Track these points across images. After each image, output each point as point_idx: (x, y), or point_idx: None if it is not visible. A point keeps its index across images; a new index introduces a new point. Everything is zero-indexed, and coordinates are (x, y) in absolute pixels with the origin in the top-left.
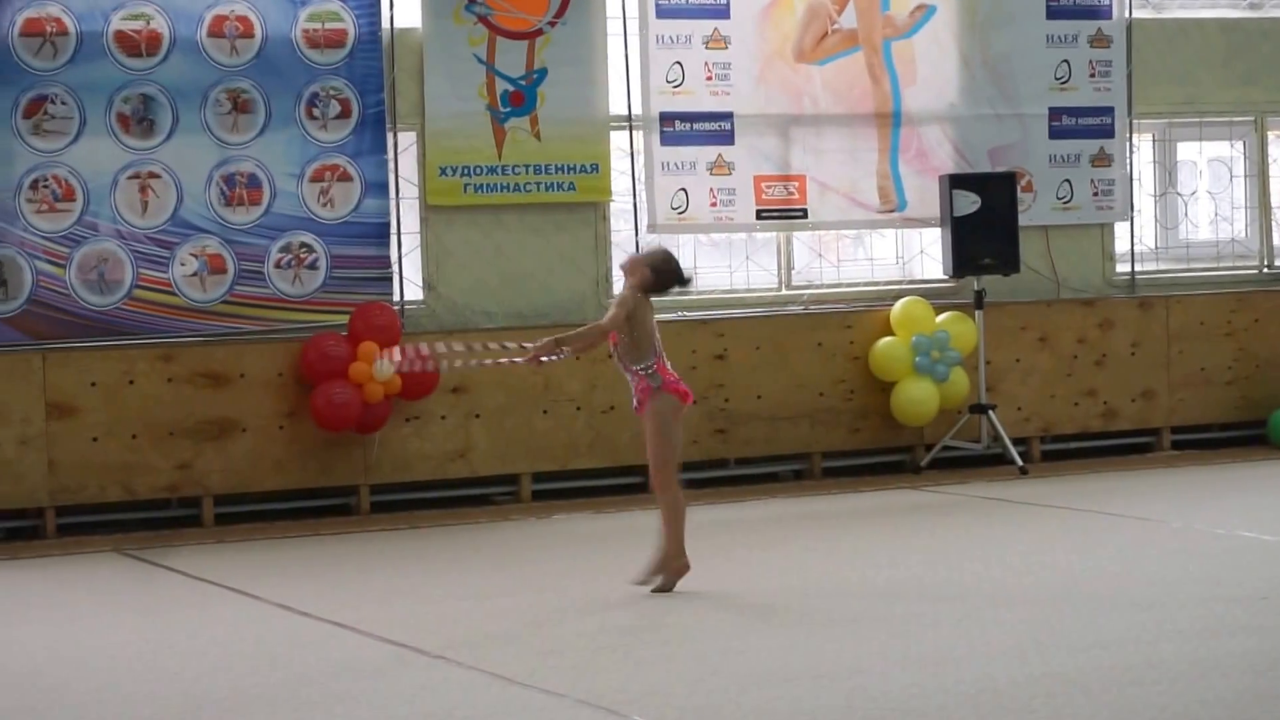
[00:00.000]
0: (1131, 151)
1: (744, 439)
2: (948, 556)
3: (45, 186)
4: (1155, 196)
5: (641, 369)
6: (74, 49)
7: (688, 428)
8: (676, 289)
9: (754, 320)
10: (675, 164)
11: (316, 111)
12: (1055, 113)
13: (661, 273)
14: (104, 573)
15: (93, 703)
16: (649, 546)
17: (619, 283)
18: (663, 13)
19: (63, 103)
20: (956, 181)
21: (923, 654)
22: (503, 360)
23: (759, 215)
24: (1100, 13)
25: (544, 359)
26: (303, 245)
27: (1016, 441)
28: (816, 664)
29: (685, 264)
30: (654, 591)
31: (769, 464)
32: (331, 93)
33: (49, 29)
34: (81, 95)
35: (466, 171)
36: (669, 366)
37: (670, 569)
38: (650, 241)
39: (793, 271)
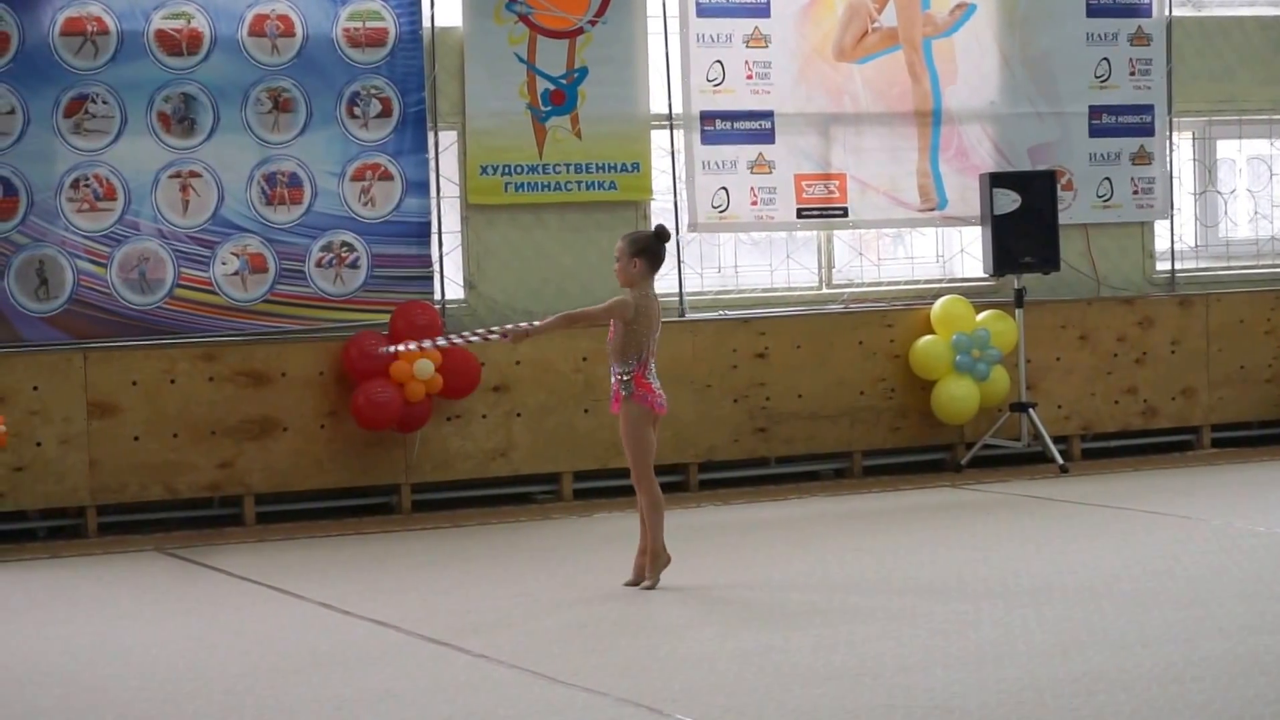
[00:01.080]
0: (1171, 149)
1: (784, 437)
2: (988, 555)
3: (86, 186)
4: (1195, 194)
5: (620, 372)
6: (115, 48)
7: (728, 426)
8: (664, 249)
9: (795, 319)
10: (716, 163)
11: (357, 110)
12: (1095, 111)
13: (648, 248)
14: (146, 572)
15: (135, 701)
16: (687, 545)
17: (659, 281)
18: (703, 11)
19: (104, 102)
20: (997, 180)
21: (965, 652)
22: (491, 338)
23: (799, 214)
24: (1140, 11)
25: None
26: (344, 244)
27: (1057, 440)
28: (859, 662)
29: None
30: (644, 589)
31: (809, 462)
32: (372, 91)
33: (90, 28)
34: (122, 94)
35: (507, 170)
36: (652, 375)
37: (655, 565)
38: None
39: (833, 270)
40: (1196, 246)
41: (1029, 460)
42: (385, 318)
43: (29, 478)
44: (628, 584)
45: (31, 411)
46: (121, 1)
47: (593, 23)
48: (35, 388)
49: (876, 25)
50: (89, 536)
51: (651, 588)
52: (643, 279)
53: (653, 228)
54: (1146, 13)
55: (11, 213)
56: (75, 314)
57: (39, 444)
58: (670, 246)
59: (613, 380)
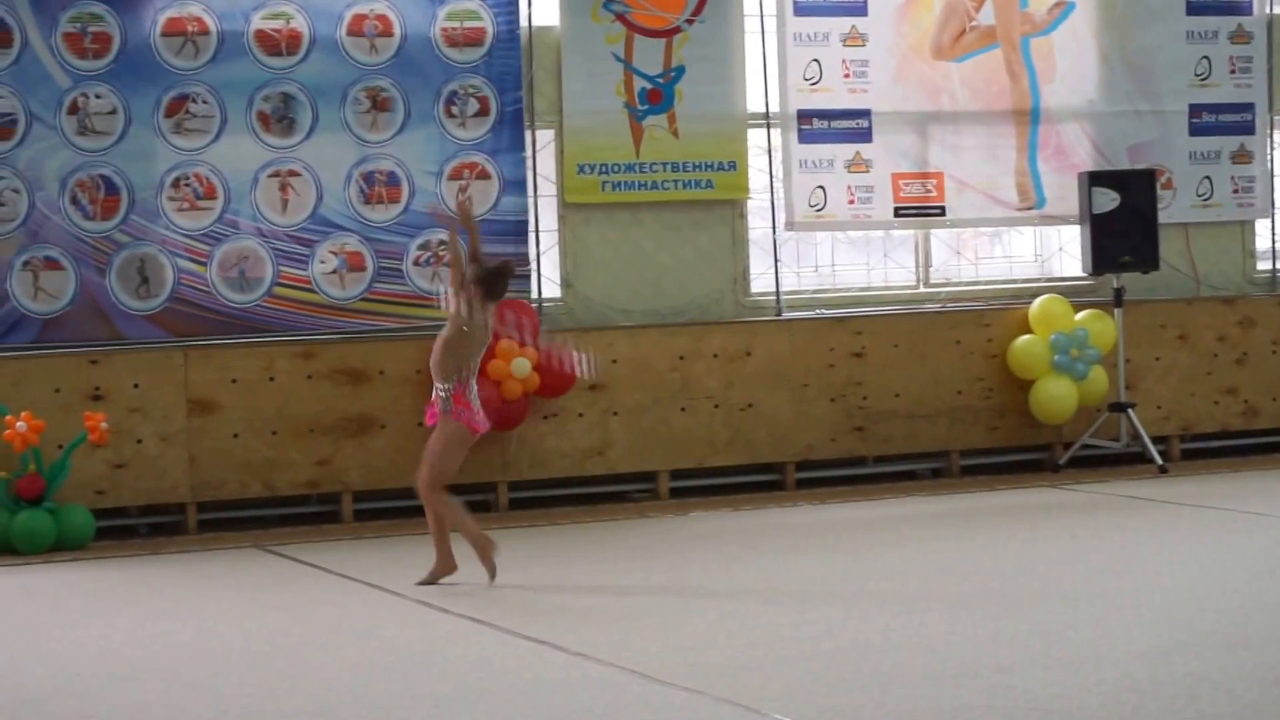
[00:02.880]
0: (1272, 148)
1: (882, 437)
2: (1087, 555)
3: (187, 185)
4: None
5: (440, 388)
6: (215, 48)
7: (825, 425)
8: (503, 285)
9: (892, 318)
10: (813, 161)
11: (455, 109)
12: (1195, 109)
13: (484, 279)
14: (244, 568)
15: (235, 697)
16: (784, 545)
17: (756, 280)
18: (801, 10)
19: (204, 101)
20: (1096, 179)
21: (1064, 653)
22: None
23: (897, 213)
24: (1241, 9)
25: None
26: (441, 243)
27: (1156, 440)
28: (957, 663)
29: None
30: (419, 584)
31: (907, 462)
32: (470, 91)
33: (190, 29)
34: (222, 94)
35: (604, 169)
36: (472, 394)
37: (437, 572)
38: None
39: (930, 269)
40: None
41: (1128, 461)
42: None
43: (130, 475)
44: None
45: (132, 409)
46: (222, 2)
47: (690, 21)
48: (136, 385)
49: (974, 23)
50: (189, 533)
51: (425, 583)
52: (478, 304)
53: (501, 261)
54: (1247, 10)
55: (113, 212)
56: (175, 312)
57: (140, 441)
58: (766, 245)
59: (433, 394)
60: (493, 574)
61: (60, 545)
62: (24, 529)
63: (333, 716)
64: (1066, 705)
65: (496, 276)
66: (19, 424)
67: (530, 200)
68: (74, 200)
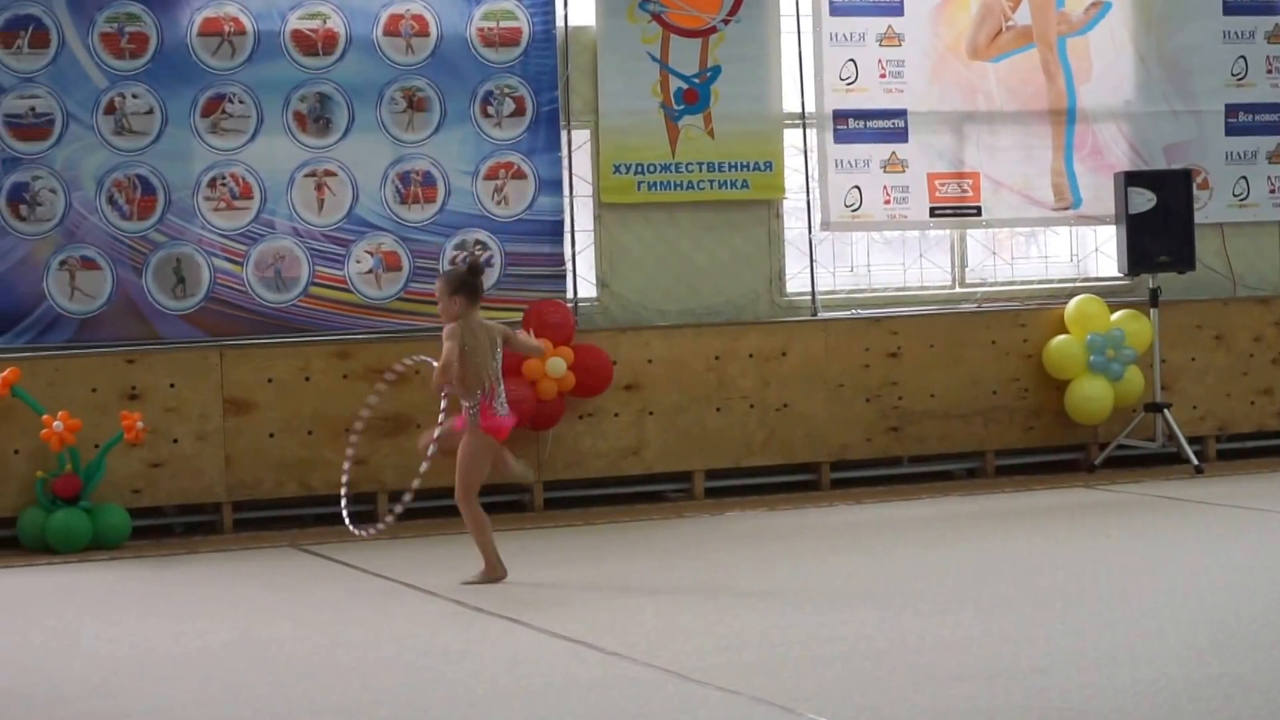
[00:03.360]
0: None
1: (917, 437)
2: (1123, 556)
3: (223, 184)
4: None
5: (467, 406)
6: (251, 48)
7: (861, 426)
8: (479, 282)
9: (927, 318)
10: (849, 161)
11: (491, 109)
12: (1232, 109)
13: (464, 285)
14: (280, 568)
15: (270, 696)
16: (820, 545)
17: (792, 280)
18: (836, 10)
19: (240, 101)
20: (1132, 179)
21: (1099, 654)
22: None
23: (932, 213)
24: (1278, 8)
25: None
26: (477, 243)
27: (1192, 440)
28: (992, 663)
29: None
30: (464, 584)
31: (942, 462)
32: (506, 91)
33: (227, 28)
34: (259, 94)
35: (640, 169)
36: (500, 403)
37: (488, 575)
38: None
39: (966, 269)
40: None
41: (1163, 461)
42: (518, 316)
43: (166, 474)
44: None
45: (168, 408)
46: (258, 2)
47: (726, 21)
48: (172, 385)
49: (1011, 23)
50: (224, 532)
51: (471, 583)
52: (465, 312)
53: (465, 262)
54: None
55: (150, 211)
56: (211, 312)
57: (175, 441)
58: (801, 245)
59: (463, 408)
60: (479, 581)
61: (96, 544)
62: (60, 528)
63: (369, 716)
64: (1102, 706)
65: (472, 277)
66: (55, 423)
67: (566, 200)
68: (111, 200)
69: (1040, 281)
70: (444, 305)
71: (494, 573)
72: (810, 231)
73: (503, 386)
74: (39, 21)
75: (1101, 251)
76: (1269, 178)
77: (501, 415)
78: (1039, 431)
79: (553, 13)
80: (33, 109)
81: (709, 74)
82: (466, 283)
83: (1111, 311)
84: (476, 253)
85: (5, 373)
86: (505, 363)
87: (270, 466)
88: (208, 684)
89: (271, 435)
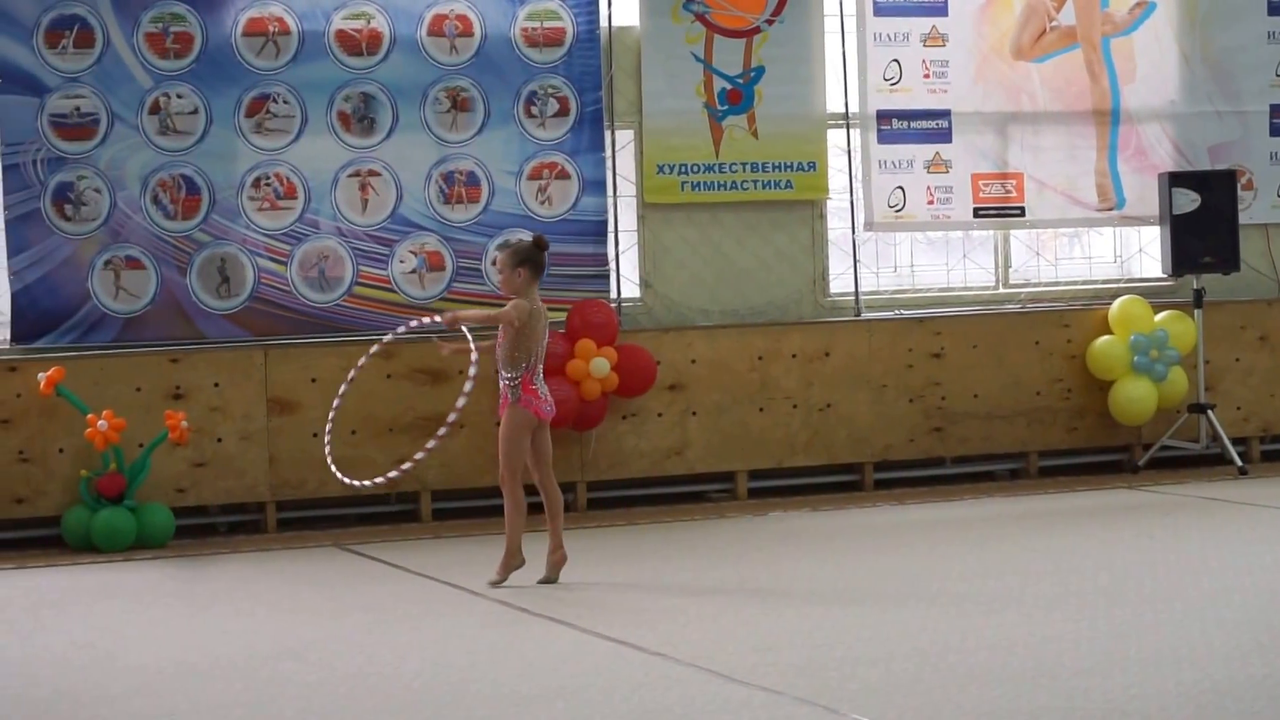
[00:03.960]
0: None
1: (960, 437)
2: (1166, 557)
3: (267, 184)
4: None
5: (508, 378)
6: (296, 48)
7: (904, 426)
8: (545, 257)
9: (971, 318)
10: (892, 162)
11: (535, 110)
12: (1276, 109)
13: (530, 257)
14: (324, 567)
15: (314, 695)
16: (863, 545)
17: (835, 281)
18: (881, 10)
19: (284, 101)
20: (1176, 179)
21: (1143, 655)
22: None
23: (976, 213)
24: None
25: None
26: (511, 241)
27: (1235, 441)
28: (1036, 664)
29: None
30: (489, 584)
31: (985, 462)
32: (550, 91)
33: (271, 29)
34: (303, 94)
35: (684, 169)
36: (539, 381)
37: (508, 564)
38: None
39: (1010, 270)
40: None
41: (1207, 462)
42: (562, 315)
43: (210, 473)
44: (540, 581)
45: (212, 408)
46: (302, 2)
47: (770, 22)
48: (216, 384)
49: (1055, 24)
50: (268, 532)
51: (496, 585)
52: (527, 287)
53: (531, 237)
54: None
55: (194, 211)
56: (256, 311)
57: (220, 440)
58: (845, 245)
59: (501, 385)
60: (497, 581)
61: (140, 543)
62: (105, 527)
63: (413, 714)
64: (1145, 707)
65: (538, 251)
66: (100, 423)
67: (610, 200)
68: (155, 200)
69: (1084, 282)
70: (507, 277)
71: (514, 559)
72: (854, 232)
73: (542, 372)
74: (84, 21)
75: (1145, 252)
76: None
77: (547, 403)
78: (1082, 432)
79: (596, 13)
80: (78, 109)
81: (753, 74)
82: (533, 256)
83: (1155, 312)
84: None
85: (50, 372)
86: (548, 361)
87: (314, 466)
88: (252, 684)
89: (315, 435)
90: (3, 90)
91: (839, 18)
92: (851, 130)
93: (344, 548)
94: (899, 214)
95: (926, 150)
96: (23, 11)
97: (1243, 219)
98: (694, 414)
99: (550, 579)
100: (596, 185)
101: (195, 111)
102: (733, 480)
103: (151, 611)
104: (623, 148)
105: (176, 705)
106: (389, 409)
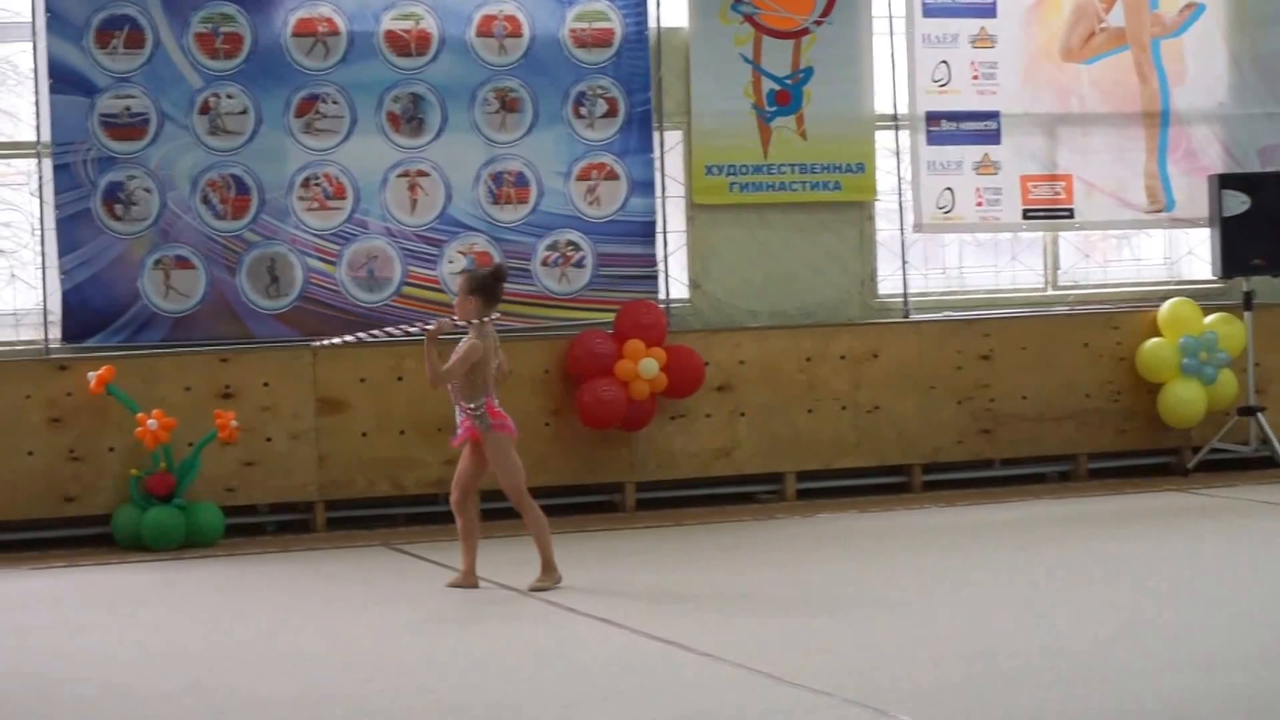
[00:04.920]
0: None
1: (1009, 439)
2: (1217, 560)
3: (316, 184)
4: None
5: (471, 408)
6: (345, 49)
7: (953, 428)
8: (500, 287)
9: (1020, 320)
10: (941, 163)
11: (584, 110)
12: None
13: (483, 286)
14: (373, 567)
15: (365, 694)
16: (912, 547)
17: (884, 282)
18: (930, 11)
19: (334, 102)
20: (1226, 181)
21: (1195, 657)
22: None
23: (1025, 215)
24: None
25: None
26: (569, 243)
27: None
28: (1087, 666)
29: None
30: (530, 591)
31: (1034, 465)
32: (599, 91)
33: (321, 29)
34: (352, 94)
35: (732, 170)
36: (496, 404)
37: (548, 579)
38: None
39: (1059, 271)
40: None
41: (1257, 465)
42: (610, 316)
43: (259, 473)
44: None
45: (262, 407)
46: (352, 3)
47: (818, 23)
48: (266, 384)
49: (1104, 25)
50: (317, 531)
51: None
52: (480, 315)
53: (493, 266)
54: None
55: (243, 211)
56: (305, 311)
57: (269, 439)
58: (893, 247)
59: (460, 416)
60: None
61: (190, 542)
62: (154, 526)
63: (462, 714)
64: (1196, 710)
65: (493, 281)
66: (150, 421)
67: (658, 201)
68: (205, 199)
69: (1133, 284)
70: (461, 301)
71: (553, 575)
72: (902, 233)
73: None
74: (134, 22)
75: (1195, 254)
76: None
77: (509, 420)
78: (1131, 435)
79: (645, 14)
80: (128, 108)
81: (801, 75)
82: (485, 285)
83: (1205, 314)
84: (503, 263)
85: (100, 371)
86: (597, 362)
87: (363, 466)
88: (301, 682)
89: (364, 435)
90: (54, 90)
91: (888, 19)
92: (900, 131)
93: (392, 548)
94: (948, 215)
95: (975, 152)
96: (74, 12)
97: None
98: (742, 415)
99: (460, 584)
100: (645, 186)
101: (245, 112)
102: (781, 482)
103: (200, 610)
104: (671, 149)
105: (225, 703)
106: (438, 410)
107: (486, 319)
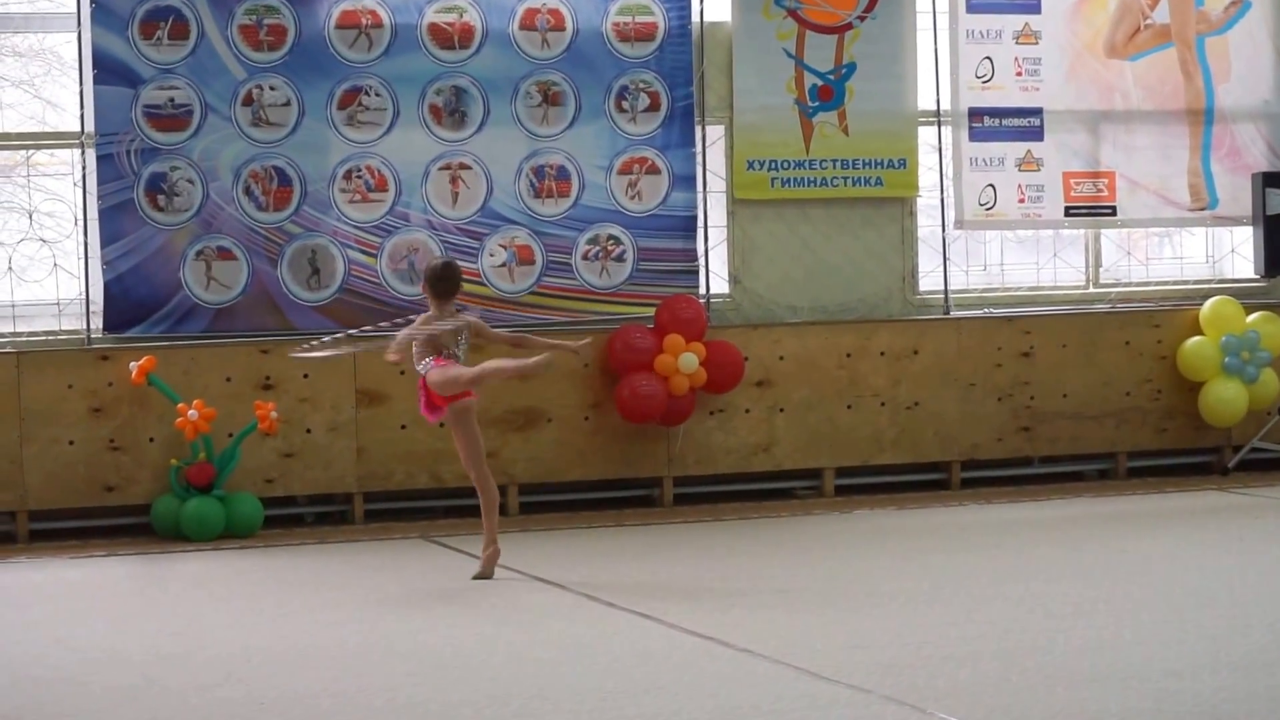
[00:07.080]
0: None
1: (1049, 437)
2: (1257, 559)
3: (358, 177)
4: None
5: (421, 367)
6: (388, 41)
7: (992, 425)
8: (446, 283)
9: (1061, 318)
10: (983, 159)
11: (626, 104)
12: None
13: (428, 280)
14: (411, 559)
15: (402, 686)
16: (950, 544)
17: (924, 279)
18: (973, 7)
19: (377, 94)
20: (1270, 179)
21: (1233, 658)
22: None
23: (1067, 212)
24: None
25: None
26: (610, 237)
27: None
28: (1124, 665)
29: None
30: (474, 579)
31: (1074, 463)
32: (641, 86)
33: (364, 21)
34: (395, 87)
35: (774, 165)
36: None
37: (488, 557)
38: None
39: (1100, 269)
40: None
41: None
42: (650, 311)
43: (298, 464)
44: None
45: (301, 399)
46: None
47: (862, 18)
48: (305, 375)
49: (1149, 22)
50: (355, 523)
51: (485, 578)
52: (433, 303)
53: (441, 262)
54: None
55: (285, 203)
56: (345, 303)
57: (309, 431)
58: (934, 243)
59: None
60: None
61: (229, 533)
62: (194, 516)
63: (499, 707)
64: (1235, 710)
65: (437, 279)
66: (190, 412)
67: (699, 196)
68: (247, 191)
69: (1175, 282)
70: (422, 287)
71: (494, 549)
72: (944, 229)
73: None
74: (179, 13)
75: (1238, 253)
76: None
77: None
78: (1172, 433)
79: (688, 8)
80: (172, 100)
81: (844, 70)
82: (430, 278)
83: (1247, 313)
84: (454, 259)
85: (142, 361)
86: (635, 358)
87: (402, 458)
88: (339, 674)
89: (403, 427)
90: (98, 81)
91: (931, 14)
92: (943, 127)
93: (431, 539)
94: (989, 212)
95: (1018, 148)
96: (118, 3)
97: None
98: (781, 410)
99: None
100: (686, 181)
101: (288, 103)
102: (819, 477)
103: (239, 600)
104: (713, 143)
105: (265, 694)
106: (477, 402)
107: (443, 309)
